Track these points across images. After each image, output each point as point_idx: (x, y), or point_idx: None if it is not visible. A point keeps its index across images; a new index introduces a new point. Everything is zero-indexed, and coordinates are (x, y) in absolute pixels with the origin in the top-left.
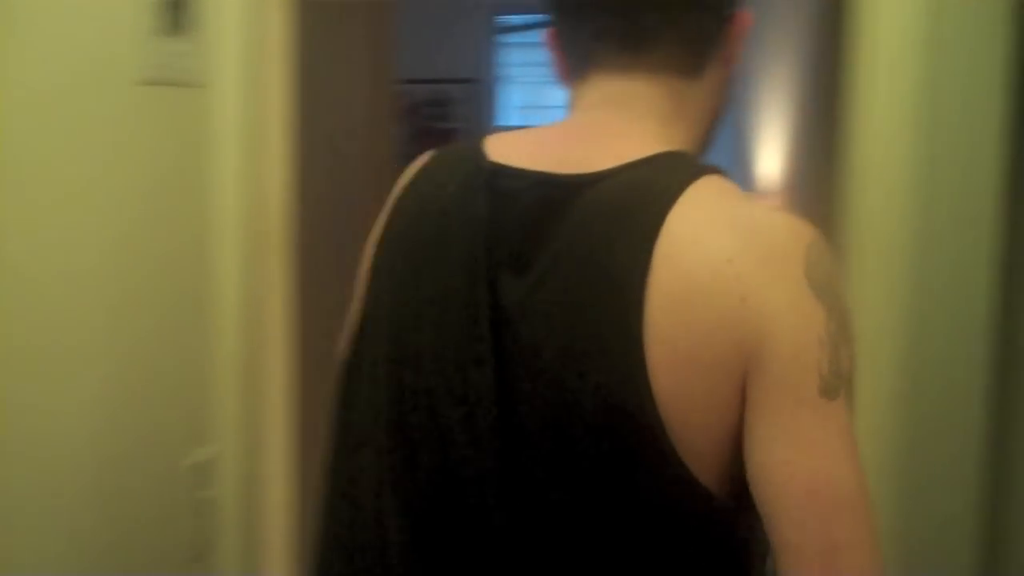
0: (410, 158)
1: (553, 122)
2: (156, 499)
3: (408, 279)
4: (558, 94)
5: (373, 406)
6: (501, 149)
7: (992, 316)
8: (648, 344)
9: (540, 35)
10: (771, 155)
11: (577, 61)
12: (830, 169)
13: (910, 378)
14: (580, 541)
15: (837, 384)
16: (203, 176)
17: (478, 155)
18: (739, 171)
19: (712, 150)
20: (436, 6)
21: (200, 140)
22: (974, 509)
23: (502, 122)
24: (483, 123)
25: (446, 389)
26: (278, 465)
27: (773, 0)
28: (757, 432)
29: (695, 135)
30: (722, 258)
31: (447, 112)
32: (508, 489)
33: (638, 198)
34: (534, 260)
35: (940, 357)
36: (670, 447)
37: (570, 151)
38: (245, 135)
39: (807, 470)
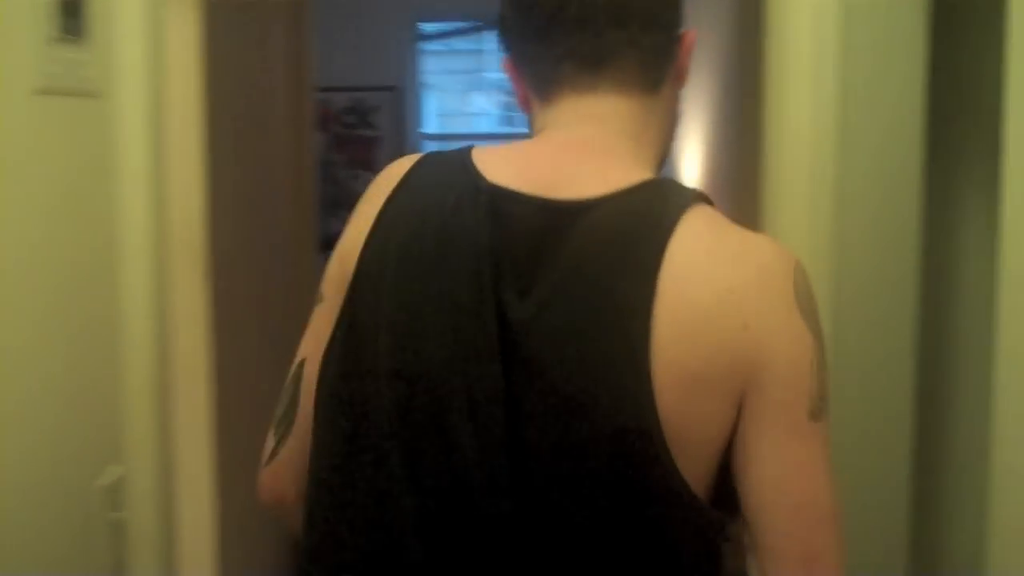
0: (331, 166)
1: (535, 138)
2: (69, 521)
3: (410, 292)
4: (478, 101)
5: (374, 416)
6: (492, 168)
7: (913, 318)
8: (654, 367)
9: (460, 42)
10: (691, 156)
11: (543, 83)
12: (748, 171)
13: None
14: (581, 547)
15: (822, 407)
16: (108, 190)
17: (473, 173)
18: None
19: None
20: (357, 14)
21: (103, 152)
22: (904, 507)
23: (423, 129)
24: (404, 130)
25: (455, 401)
26: (192, 485)
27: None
28: (752, 450)
29: (658, 150)
30: (724, 287)
31: (368, 120)
32: (515, 498)
33: (637, 227)
34: (537, 283)
35: (862, 358)
36: (671, 463)
37: (560, 172)
38: (149, 146)
39: (797, 488)
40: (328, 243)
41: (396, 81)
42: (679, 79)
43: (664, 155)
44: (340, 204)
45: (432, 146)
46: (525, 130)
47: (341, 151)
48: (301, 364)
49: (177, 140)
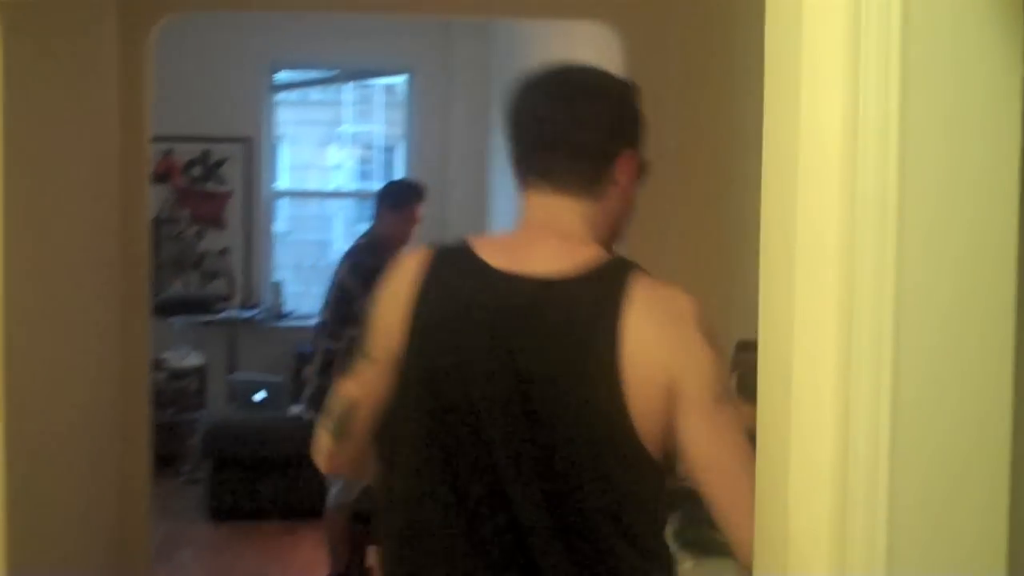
0: (175, 223)
1: (517, 227)
2: None
3: (442, 350)
4: (334, 154)
5: (418, 442)
6: (493, 257)
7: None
8: (624, 385)
9: (316, 92)
10: None
11: (520, 182)
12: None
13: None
14: (574, 496)
15: (722, 393)
16: None
17: (481, 262)
18: None
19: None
20: (208, 60)
21: None
22: (1003, 510)
23: (276, 183)
24: (256, 185)
25: (489, 422)
26: None
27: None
28: (686, 431)
29: (608, 235)
30: (658, 329)
31: (217, 173)
32: (530, 473)
33: (603, 295)
34: (534, 336)
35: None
36: (636, 436)
37: (537, 254)
38: None
39: (718, 452)
40: (171, 306)
41: (249, 132)
42: (623, 192)
43: (616, 237)
44: (185, 264)
45: (285, 204)
46: (379, 184)
47: (186, 206)
48: (352, 402)
49: None
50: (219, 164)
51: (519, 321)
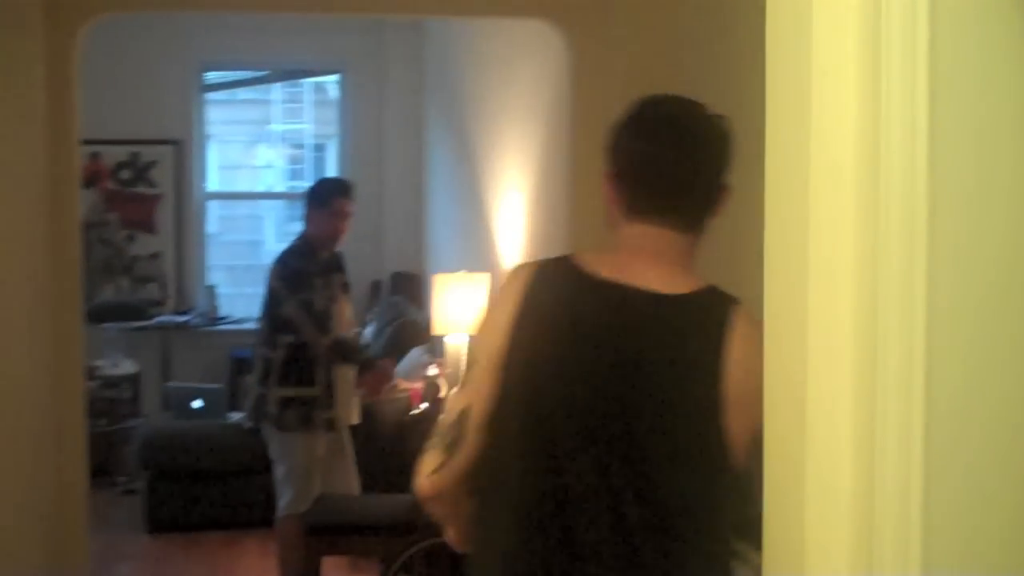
0: (104, 226)
1: (621, 250)
2: None
3: (548, 353)
4: (264, 153)
5: (523, 438)
6: (598, 268)
7: None
8: (724, 402)
9: (245, 92)
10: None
11: (629, 213)
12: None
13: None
14: (668, 494)
15: None
16: None
17: (587, 272)
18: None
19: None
20: (135, 61)
21: None
22: None
23: (206, 184)
24: (187, 187)
25: (599, 420)
26: None
27: (510, 78)
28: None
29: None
30: (755, 363)
31: (146, 176)
32: (628, 474)
33: (709, 317)
34: (643, 345)
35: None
36: (729, 448)
37: (640, 272)
38: None
39: None
40: (103, 313)
41: (178, 134)
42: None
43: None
44: (115, 270)
45: (216, 205)
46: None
47: (115, 210)
48: (466, 409)
49: None
50: (149, 166)
51: (628, 329)
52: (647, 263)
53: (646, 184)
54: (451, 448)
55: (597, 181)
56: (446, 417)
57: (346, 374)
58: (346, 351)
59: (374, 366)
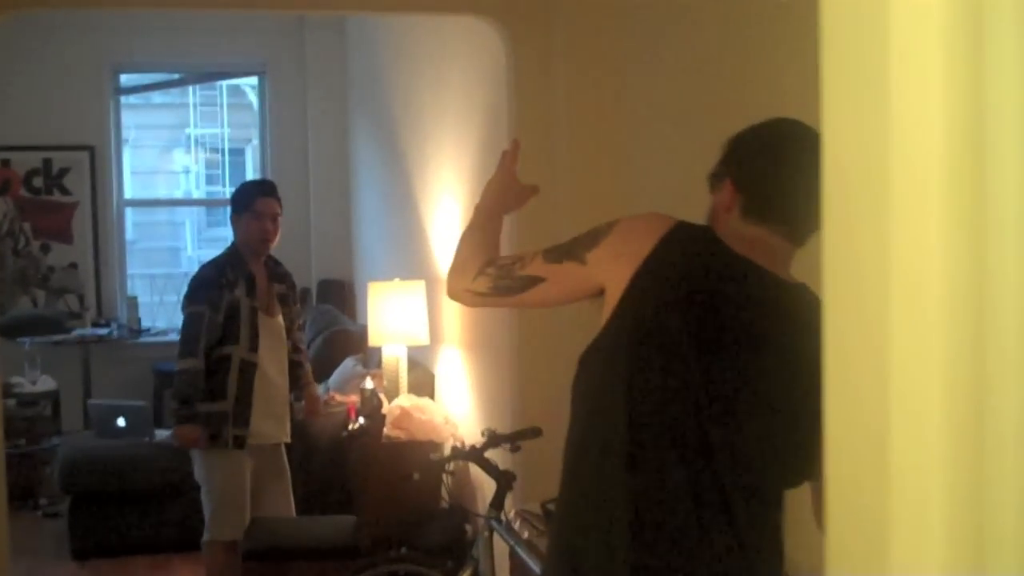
0: (17, 236)
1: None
2: None
3: (668, 306)
4: (179, 158)
5: (622, 394)
6: (730, 243)
7: None
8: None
9: (161, 95)
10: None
11: (747, 215)
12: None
13: None
14: (762, 466)
15: None
16: None
17: (724, 245)
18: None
19: None
20: (46, 64)
21: None
22: None
23: (122, 191)
24: (104, 194)
25: (703, 382)
26: None
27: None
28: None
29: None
30: None
31: (60, 183)
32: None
33: (815, 308)
34: (767, 318)
35: None
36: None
37: (759, 256)
38: None
39: None
40: (18, 327)
41: (92, 139)
42: None
43: None
44: (30, 281)
45: (135, 213)
46: (229, 190)
47: (28, 219)
48: (538, 278)
49: None
50: (62, 173)
51: (754, 300)
52: (762, 257)
53: (766, 198)
54: (499, 289)
55: (537, 184)
56: (516, 264)
57: (265, 388)
58: (178, 387)
59: (188, 421)
